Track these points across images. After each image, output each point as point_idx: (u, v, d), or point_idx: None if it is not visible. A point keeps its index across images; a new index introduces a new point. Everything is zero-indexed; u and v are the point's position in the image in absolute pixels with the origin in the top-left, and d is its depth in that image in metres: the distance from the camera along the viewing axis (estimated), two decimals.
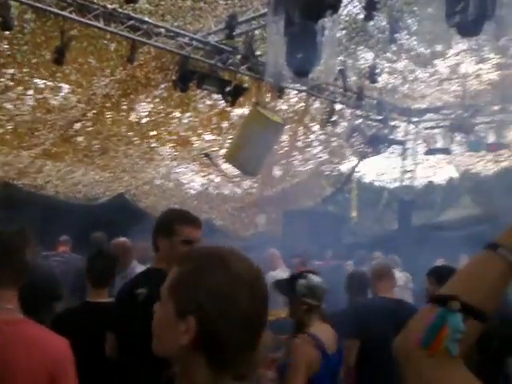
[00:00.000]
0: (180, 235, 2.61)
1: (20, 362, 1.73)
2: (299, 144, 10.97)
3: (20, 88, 6.97)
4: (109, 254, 3.76)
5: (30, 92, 7.16)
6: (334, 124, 9.46)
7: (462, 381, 0.87)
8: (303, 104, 9.42)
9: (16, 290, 1.86)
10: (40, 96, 7.29)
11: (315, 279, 3.14)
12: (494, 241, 0.93)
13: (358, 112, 9.23)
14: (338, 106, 9.10)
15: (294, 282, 3.15)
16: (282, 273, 5.69)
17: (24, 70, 6.59)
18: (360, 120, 9.52)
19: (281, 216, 12.64)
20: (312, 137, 10.83)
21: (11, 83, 6.76)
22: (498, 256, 0.90)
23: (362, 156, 11.51)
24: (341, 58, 7.49)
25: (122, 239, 4.91)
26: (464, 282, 0.93)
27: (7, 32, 5.61)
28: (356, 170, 13.11)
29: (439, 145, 9.88)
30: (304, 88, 8.60)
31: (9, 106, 7.39)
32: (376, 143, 10.02)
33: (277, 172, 12.40)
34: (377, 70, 7.61)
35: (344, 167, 12.82)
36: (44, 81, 7.05)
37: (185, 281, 1.10)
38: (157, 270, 2.64)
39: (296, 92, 9.01)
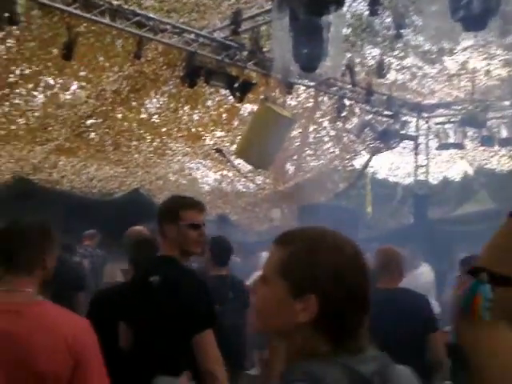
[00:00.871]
0: (186, 220, 2.67)
1: (41, 342, 1.76)
2: (310, 140, 10.97)
3: (30, 84, 7.11)
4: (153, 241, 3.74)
5: (40, 88, 7.30)
6: (345, 120, 9.41)
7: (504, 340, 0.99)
8: (312, 100, 9.40)
9: (33, 277, 1.89)
10: (50, 92, 7.42)
11: None
12: None
13: (368, 108, 9.16)
14: (347, 102, 9.05)
15: None
16: None
17: (33, 66, 6.72)
18: (370, 115, 9.44)
19: (295, 210, 12.66)
20: (323, 132, 10.82)
21: (20, 80, 6.90)
22: None
23: (374, 151, 11.43)
24: (348, 54, 7.46)
25: (139, 227, 4.97)
26: (492, 253, 1.02)
27: (15, 28, 5.72)
28: (369, 165, 13.04)
29: (451, 140, 9.76)
30: (312, 84, 8.58)
31: (20, 101, 7.55)
32: (387, 138, 9.91)
33: (289, 167, 12.43)
34: (384, 66, 7.55)
35: (357, 162, 12.79)
36: (53, 77, 7.17)
37: (299, 260, 1.11)
38: (167, 257, 2.70)
39: (305, 88, 8.99)
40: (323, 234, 1.19)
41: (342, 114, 8.95)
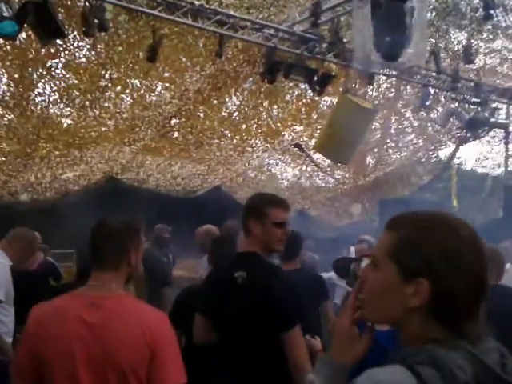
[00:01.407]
0: (271, 217, 2.70)
1: (119, 334, 1.85)
2: (392, 131, 10.68)
3: (118, 87, 7.45)
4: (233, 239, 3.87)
5: (127, 90, 7.63)
6: (429, 109, 9.07)
7: None
8: (394, 90, 9.14)
9: (119, 272, 1.99)
10: (137, 94, 7.74)
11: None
12: None
13: (454, 95, 8.77)
14: (432, 90, 8.71)
15: (349, 265, 3.10)
16: None
17: (121, 69, 7.04)
18: (456, 103, 9.04)
19: (376, 205, 12.39)
20: (405, 123, 10.49)
21: (109, 83, 7.25)
22: None
23: (461, 141, 10.94)
24: (432, 39, 7.18)
25: (207, 226, 5.10)
26: None
27: (103, 34, 6.01)
28: (455, 156, 12.51)
29: None
30: (394, 73, 8.34)
31: (109, 104, 7.94)
32: (475, 127, 9.44)
33: (370, 160, 12.17)
34: (472, 51, 7.20)
35: (442, 153, 12.30)
36: (139, 79, 7.47)
37: (411, 243, 1.10)
38: (251, 253, 2.74)
39: (386, 78, 8.76)
40: (437, 215, 1.15)
41: (427, 103, 8.63)
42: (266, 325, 2.56)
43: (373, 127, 9.34)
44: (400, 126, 10.55)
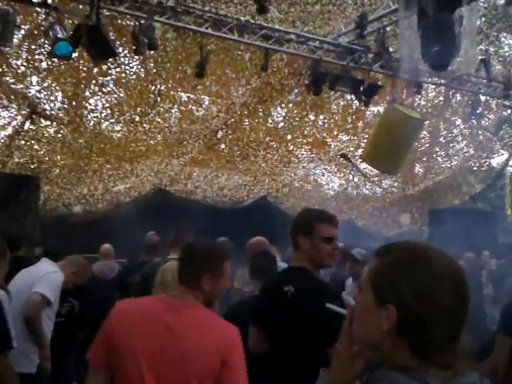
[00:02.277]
0: (320, 233, 2.71)
1: (194, 338, 1.96)
2: (441, 139, 10.45)
3: (166, 102, 7.64)
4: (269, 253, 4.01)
5: (176, 105, 7.81)
6: (480, 117, 8.83)
7: None
8: (442, 98, 8.95)
9: (194, 290, 2.09)
10: (184, 108, 7.91)
11: None
12: None
13: (506, 103, 8.50)
14: (482, 98, 8.49)
15: None
16: None
17: (169, 85, 7.22)
18: (509, 111, 8.76)
19: (425, 215, 12.13)
20: (455, 131, 10.25)
21: (158, 99, 7.44)
22: None
23: None
24: (482, 46, 7.00)
25: (258, 238, 5.14)
26: None
27: (152, 52, 6.19)
28: (508, 164, 12.11)
29: None
30: (443, 81, 8.18)
31: (158, 119, 8.15)
32: None
33: (419, 169, 11.95)
34: None
35: (494, 162, 11.93)
36: (187, 94, 7.64)
37: (386, 272, 1.16)
38: (300, 268, 2.76)
39: (434, 86, 8.60)
40: (417, 248, 1.19)
41: (477, 111, 8.41)
42: (311, 339, 2.57)
43: (421, 136, 9.18)
44: (450, 135, 10.31)
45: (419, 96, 8.66)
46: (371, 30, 6.72)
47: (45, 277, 3.95)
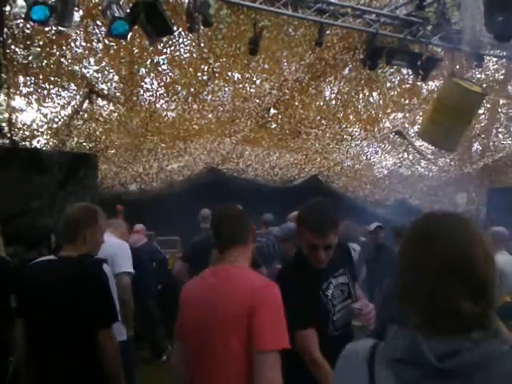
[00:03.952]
0: (306, 239, 2.66)
1: (228, 292, 2.07)
2: (501, 116, 10.01)
3: (219, 80, 7.64)
4: None
5: (229, 83, 7.81)
6: None
7: None
8: (503, 72, 8.55)
9: (237, 248, 2.24)
10: (237, 86, 7.89)
11: None
12: None
13: None
14: None
15: None
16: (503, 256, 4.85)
17: (222, 63, 7.20)
18: None
19: (483, 194, 11.73)
20: None
21: (212, 77, 7.45)
22: None
23: None
24: None
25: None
26: None
27: (206, 30, 6.17)
28: None
29: None
30: (505, 53, 7.80)
31: (211, 97, 8.18)
32: None
33: (477, 147, 11.54)
34: None
35: None
36: (240, 72, 7.61)
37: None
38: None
39: (495, 59, 8.21)
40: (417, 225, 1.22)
41: None
42: None
43: (479, 112, 8.83)
44: (511, 110, 9.86)
45: (478, 70, 8.31)
46: (430, 0, 6.47)
47: (122, 254, 4.02)
